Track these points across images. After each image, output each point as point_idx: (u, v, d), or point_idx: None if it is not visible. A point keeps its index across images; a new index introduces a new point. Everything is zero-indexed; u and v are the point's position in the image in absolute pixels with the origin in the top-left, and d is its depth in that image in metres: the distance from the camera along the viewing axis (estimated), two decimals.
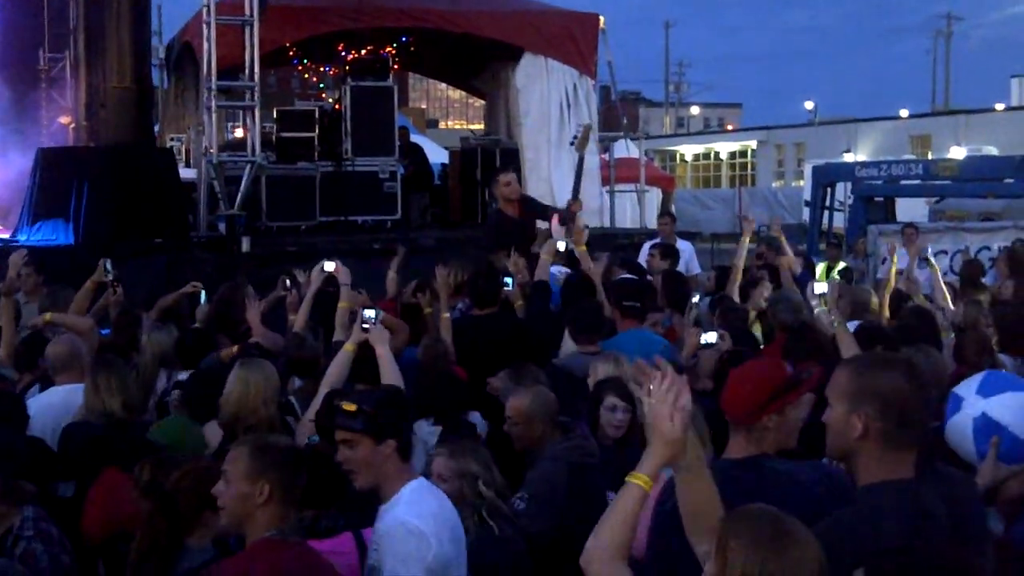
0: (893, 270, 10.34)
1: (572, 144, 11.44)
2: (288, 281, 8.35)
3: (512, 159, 16.41)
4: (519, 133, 17.02)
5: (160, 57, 18.79)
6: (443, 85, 45.46)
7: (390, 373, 5.44)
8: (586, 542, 3.16)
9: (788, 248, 10.51)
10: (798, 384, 3.90)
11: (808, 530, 2.86)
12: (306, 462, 4.07)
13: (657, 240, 12.41)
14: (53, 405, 6.27)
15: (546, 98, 16.94)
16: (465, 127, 56.68)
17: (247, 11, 13.72)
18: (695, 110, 78.62)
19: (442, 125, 62.47)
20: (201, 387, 6.15)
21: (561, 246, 8.95)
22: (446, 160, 19.50)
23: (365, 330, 5.65)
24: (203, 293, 8.91)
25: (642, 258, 11.30)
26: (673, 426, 3.10)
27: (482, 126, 29.13)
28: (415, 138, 20.84)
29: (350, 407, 4.15)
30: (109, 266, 8.13)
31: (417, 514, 4.05)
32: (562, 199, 14.58)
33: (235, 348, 6.84)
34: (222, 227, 13.31)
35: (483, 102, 20.65)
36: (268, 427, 5.23)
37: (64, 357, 6.48)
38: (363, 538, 4.29)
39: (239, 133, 14.75)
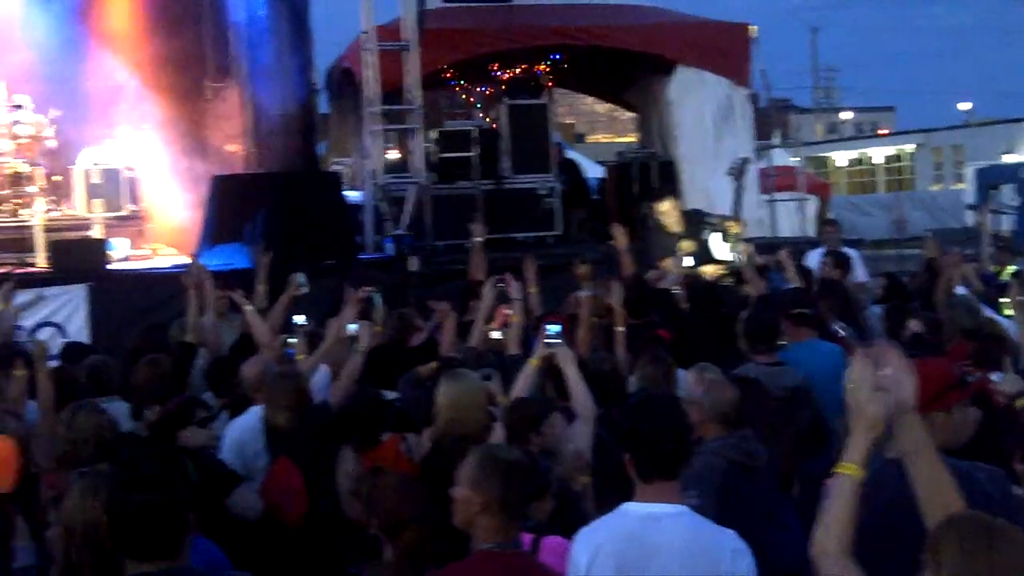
0: None
1: (729, 173, 11.52)
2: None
3: (668, 172, 16.47)
4: (674, 146, 17.06)
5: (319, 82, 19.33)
6: (589, 99, 45.44)
7: (578, 391, 5.56)
8: (815, 534, 3.16)
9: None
10: (965, 384, 3.90)
11: (1020, 531, 2.87)
12: (532, 476, 4.18)
13: (825, 248, 12.30)
14: (250, 425, 6.56)
15: (700, 110, 16.96)
16: (613, 140, 56.65)
17: (405, 36, 14.10)
18: (846, 115, 77.29)
19: (589, 139, 62.47)
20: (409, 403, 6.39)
21: (688, 261, 9.09)
22: (600, 174, 19.63)
23: (549, 346, 5.79)
24: (378, 296, 8.98)
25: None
26: (874, 408, 3.09)
27: (629, 139, 29.14)
28: (568, 153, 21.00)
29: None
30: (303, 279, 8.36)
31: None
32: (720, 210, 14.60)
33: (434, 364, 7.04)
34: (389, 247, 13.65)
35: (630, 115, 20.73)
36: (478, 436, 5.39)
37: (258, 378, 6.78)
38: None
39: (393, 154, 15.12)
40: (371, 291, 8.92)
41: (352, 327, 7.12)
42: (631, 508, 4.02)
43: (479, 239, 10.36)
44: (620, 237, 9.75)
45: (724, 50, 17.17)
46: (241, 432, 6.54)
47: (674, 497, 4.04)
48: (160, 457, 5.41)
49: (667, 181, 15.87)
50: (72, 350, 8.64)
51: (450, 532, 4.12)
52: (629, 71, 18.33)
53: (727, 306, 8.77)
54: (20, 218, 14.62)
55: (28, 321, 11.79)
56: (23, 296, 11.15)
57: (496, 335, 7.69)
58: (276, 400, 6.23)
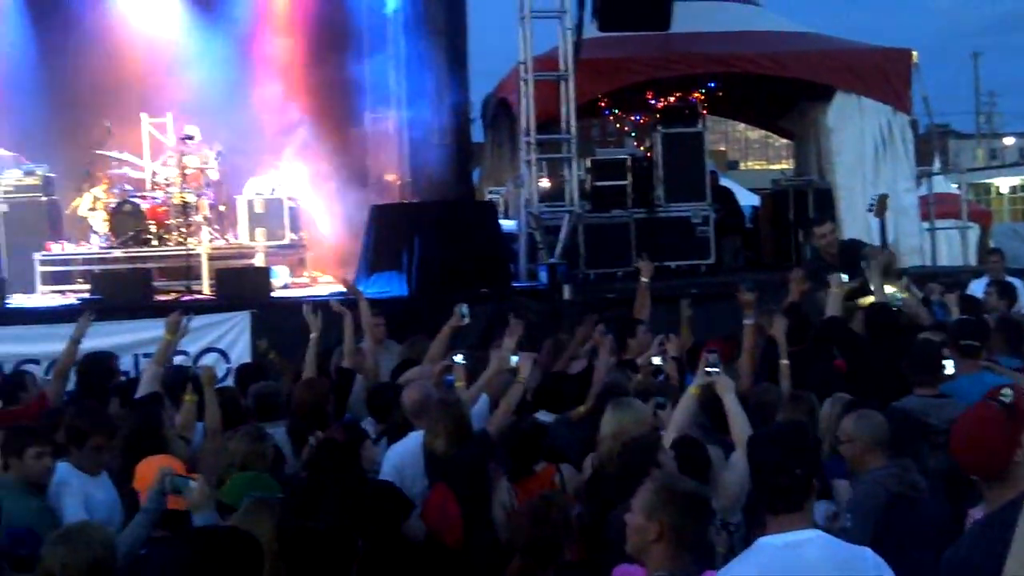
0: None
1: (870, 211, 11.30)
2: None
3: (825, 200, 16.23)
4: (832, 173, 16.78)
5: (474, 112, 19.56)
6: (742, 125, 45.08)
7: (737, 422, 5.51)
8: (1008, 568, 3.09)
9: None
10: None
11: None
12: (706, 508, 4.14)
13: (989, 278, 11.96)
14: (410, 450, 6.66)
15: (860, 137, 16.65)
16: (766, 167, 56.05)
17: (562, 66, 14.20)
18: (1008, 140, 75.05)
19: (742, 166, 61.96)
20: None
21: (845, 277, 8.94)
22: (754, 202, 19.44)
23: (709, 375, 5.74)
24: (464, 307, 8.91)
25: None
26: None
27: (783, 166, 28.79)
28: (722, 181, 20.84)
29: None
30: (465, 310, 8.45)
31: None
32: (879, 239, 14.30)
33: (581, 409, 7.07)
34: (543, 276, 13.72)
35: (785, 141, 20.46)
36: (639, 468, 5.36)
37: (418, 404, 6.88)
38: None
39: (544, 183, 15.21)
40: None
41: (514, 358, 7.17)
42: (766, 542, 3.92)
43: (646, 279, 10.20)
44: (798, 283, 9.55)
45: (885, 76, 16.84)
46: (401, 457, 6.64)
47: (805, 524, 3.95)
48: (338, 484, 5.51)
49: (824, 209, 15.62)
50: (246, 370, 8.89)
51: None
52: (787, 98, 18.13)
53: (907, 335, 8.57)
54: (187, 246, 15.09)
55: (193, 347, 12.17)
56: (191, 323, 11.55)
57: (657, 361, 7.67)
58: (436, 427, 6.31)
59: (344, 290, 13.71)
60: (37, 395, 8.06)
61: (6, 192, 15.95)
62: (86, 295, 13.87)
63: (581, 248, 14.85)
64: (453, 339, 8.57)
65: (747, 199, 20.68)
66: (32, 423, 6.71)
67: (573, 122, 14.17)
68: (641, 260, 10.61)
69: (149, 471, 5.44)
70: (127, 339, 11.74)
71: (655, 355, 7.85)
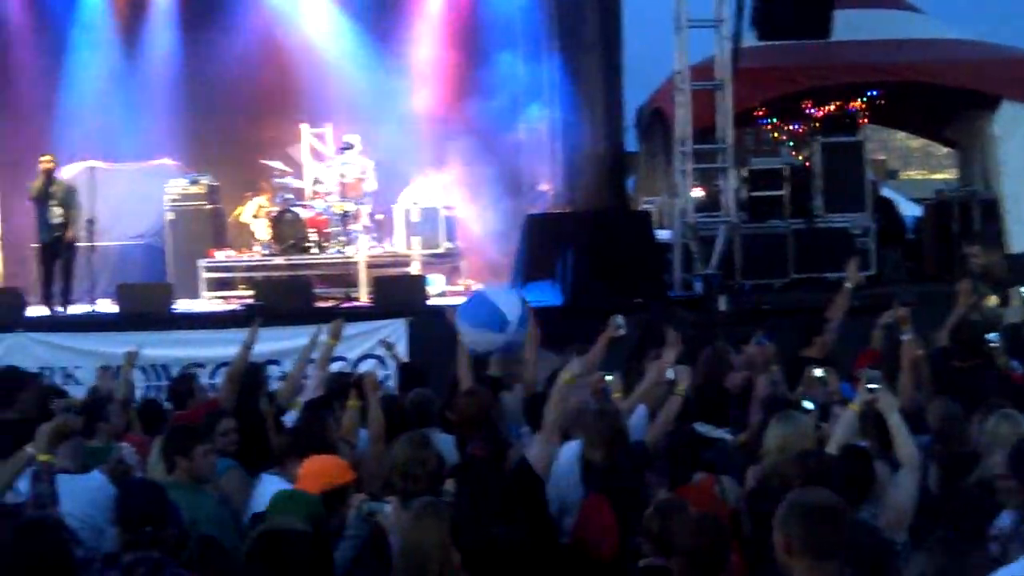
0: None
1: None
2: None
3: (991, 211, 15.74)
4: (998, 183, 16.25)
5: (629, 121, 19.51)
6: (902, 134, 43.97)
7: (902, 440, 5.38)
8: None
9: None
10: None
11: None
12: (839, 520, 4.05)
13: None
14: (567, 459, 6.66)
15: None
16: (927, 176, 54.64)
17: (719, 75, 14.09)
18: None
19: (902, 175, 60.50)
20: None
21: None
22: (916, 212, 18.96)
23: (870, 391, 5.62)
24: (620, 318, 8.75)
25: None
26: None
27: (946, 175, 28.01)
28: (884, 191, 20.39)
29: None
30: (621, 321, 8.41)
31: None
32: None
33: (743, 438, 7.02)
34: (698, 286, 13.61)
35: (947, 150, 19.93)
36: (805, 479, 5.27)
37: (575, 413, 6.87)
38: None
39: (699, 192, 15.10)
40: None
41: (671, 371, 7.13)
42: None
43: (851, 285, 9.80)
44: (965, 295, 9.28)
45: None
46: (558, 465, 6.64)
47: None
48: (520, 493, 5.55)
49: (990, 221, 15.17)
50: (408, 371, 8.99)
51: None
52: (950, 106, 17.65)
53: None
54: (345, 254, 15.38)
55: (352, 354, 12.40)
56: (349, 329, 11.81)
57: (819, 373, 7.52)
58: (594, 436, 6.30)
59: None
60: (205, 399, 8.29)
61: (172, 201, 16.51)
62: (249, 301, 14.23)
63: (737, 259, 14.66)
64: (609, 349, 8.53)
65: (909, 209, 20.19)
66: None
67: (730, 132, 14.04)
68: (850, 264, 10.23)
69: (313, 469, 5.54)
70: (287, 345, 11.98)
71: (817, 366, 7.66)
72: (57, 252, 14.59)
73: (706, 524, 4.93)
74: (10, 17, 17.24)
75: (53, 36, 17.27)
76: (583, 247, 13.26)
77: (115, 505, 5.14)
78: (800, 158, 17.55)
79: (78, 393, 9.09)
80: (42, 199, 14.58)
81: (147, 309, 13.11)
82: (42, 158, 14.76)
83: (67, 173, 14.38)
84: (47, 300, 14.54)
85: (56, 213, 14.50)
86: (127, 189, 16.30)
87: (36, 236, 15.15)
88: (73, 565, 4.36)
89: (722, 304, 13.16)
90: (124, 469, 6.42)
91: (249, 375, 8.25)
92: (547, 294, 12.96)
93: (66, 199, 14.52)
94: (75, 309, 14.34)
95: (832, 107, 16.36)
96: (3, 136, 17.44)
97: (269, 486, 6.00)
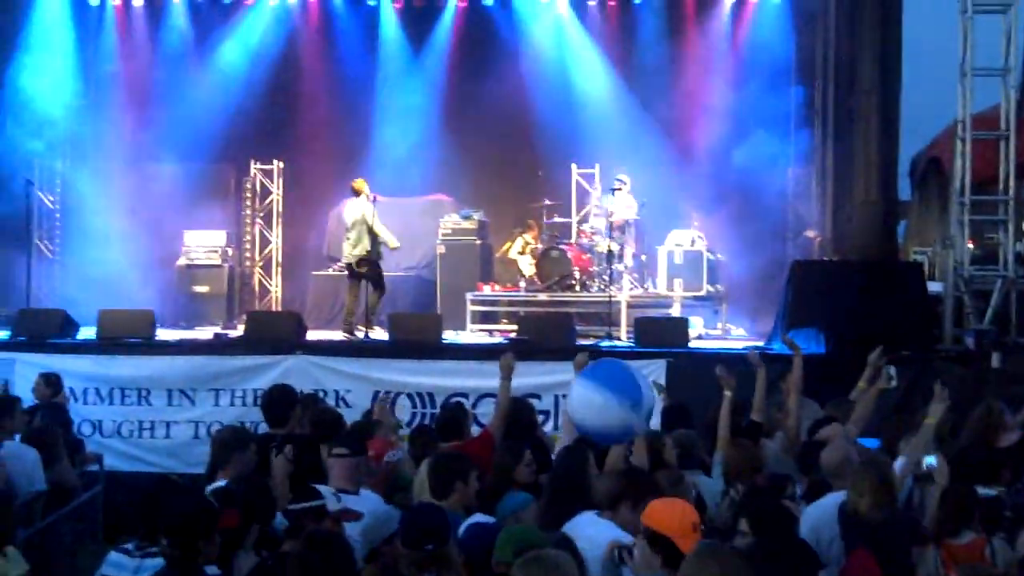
0: None
1: None
2: None
3: None
4: None
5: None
6: None
7: None
8: None
9: None
10: None
11: None
12: None
13: None
14: (827, 511, 6.56)
15: None
16: None
17: (1003, 125, 13.63)
18: None
19: None
20: None
21: None
22: None
23: None
24: (893, 369, 8.48)
25: None
26: None
27: None
28: None
29: None
30: (892, 372, 8.25)
31: None
32: None
33: None
34: (970, 342, 13.12)
35: None
36: None
37: (839, 463, 6.77)
38: None
39: (969, 245, 14.56)
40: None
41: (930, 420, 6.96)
42: None
43: None
44: None
45: None
46: (818, 517, 6.55)
47: None
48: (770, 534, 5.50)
49: None
50: (674, 411, 9.04)
51: None
52: None
53: None
54: (608, 293, 15.55)
55: None
56: None
57: None
58: (860, 487, 6.18)
59: (759, 344, 13.76)
60: (479, 431, 8.54)
61: (444, 235, 17.15)
62: (512, 335, 14.55)
63: (1013, 315, 14.07)
64: (878, 400, 8.37)
65: None
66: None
67: (1012, 183, 13.53)
68: None
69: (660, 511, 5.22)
70: (547, 380, 12.23)
71: None
72: (361, 275, 14.89)
73: None
74: (328, 60, 18.71)
75: (357, 77, 18.45)
76: (850, 296, 13.01)
77: (400, 524, 5.40)
78: None
79: (350, 416, 9.45)
80: (360, 222, 14.80)
81: (418, 338, 13.54)
82: (356, 181, 15.06)
83: (351, 204, 14.99)
84: (348, 325, 14.91)
85: (360, 237, 14.77)
86: (404, 222, 16.98)
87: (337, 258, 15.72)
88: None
89: (995, 361, 12.65)
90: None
91: (523, 410, 8.44)
92: (811, 342, 12.76)
93: (371, 223, 14.78)
94: (375, 334, 14.77)
95: None
96: (301, 168, 18.61)
97: (595, 528, 5.71)
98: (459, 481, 6.20)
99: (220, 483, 6.41)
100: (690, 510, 5.10)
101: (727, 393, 8.08)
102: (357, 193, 14.88)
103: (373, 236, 14.73)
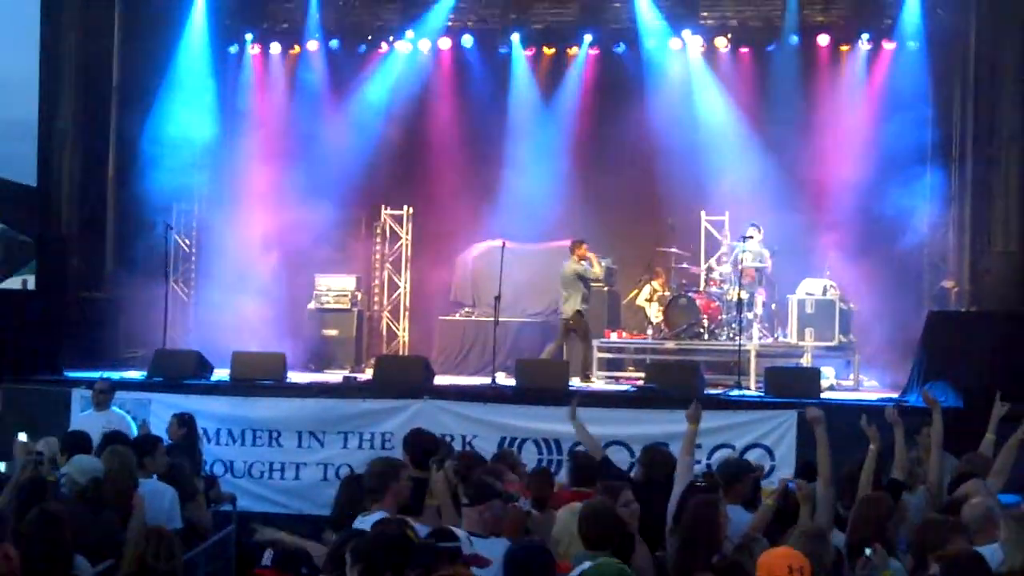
0: None
1: None
2: None
3: None
4: None
5: None
6: None
7: None
8: None
9: None
10: None
11: None
12: None
13: None
14: None
15: None
16: None
17: None
18: None
19: None
20: None
21: None
22: None
23: None
24: None
25: None
26: None
27: None
28: None
29: None
30: None
31: None
32: None
33: None
34: None
35: None
36: None
37: (981, 519, 6.56)
38: None
39: None
40: None
41: None
42: None
43: None
44: None
45: None
46: None
47: None
48: None
49: None
50: (805, 469, 8.88)
51: None
52: None
53: None
54: (737, 342, 15.36)
55: (740, 441, 12.34)
56: (719, 420, 12.09)
57: None
58: (1009, 543, 5.95)
59: (893, 396, 13.46)
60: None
61: None
62: (639, 383, 14.45)
63: None
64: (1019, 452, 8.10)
65: None
66: None
67: None
68: None
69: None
70: (676, 428, 12.06)
71: None
72: (570, 329, 15.62)
73: None
74: (459, 107, 19.03)
75: (487, 123, 18.68)
76: (988, 348, 12.67)
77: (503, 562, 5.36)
78: None
79: None
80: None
81: (544, 385, 13.53)
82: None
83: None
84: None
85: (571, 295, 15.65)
86: (530, 268, 17.02)
87: None
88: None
89: None
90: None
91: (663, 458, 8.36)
92: (947, 395, 12.43)
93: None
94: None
95: None
96: (430, 213, 18.86)
97: None
98: (615, 534, 6.04)
99: (376, 515, 6.37)
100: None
101: (872, 447, 7.86)
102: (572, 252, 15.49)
103: (581, 293, 15.40)
